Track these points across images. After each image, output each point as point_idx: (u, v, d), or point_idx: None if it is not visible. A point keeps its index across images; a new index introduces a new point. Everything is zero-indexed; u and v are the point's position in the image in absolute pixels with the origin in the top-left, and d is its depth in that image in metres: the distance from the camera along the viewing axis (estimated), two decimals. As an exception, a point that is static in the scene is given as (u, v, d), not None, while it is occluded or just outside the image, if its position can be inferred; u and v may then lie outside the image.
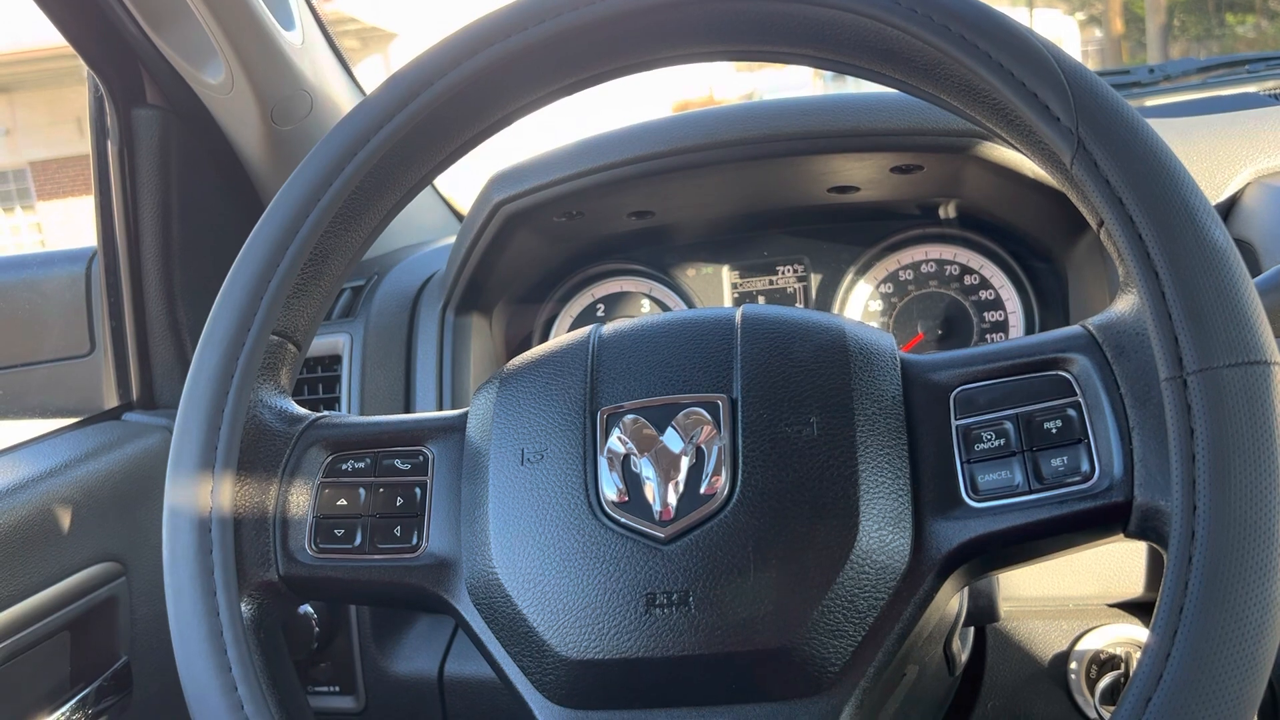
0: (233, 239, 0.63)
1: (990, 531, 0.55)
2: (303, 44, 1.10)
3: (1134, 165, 0.52)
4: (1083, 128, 0.53)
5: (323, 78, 1.15)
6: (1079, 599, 0.89)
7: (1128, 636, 0.88)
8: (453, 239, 1.13)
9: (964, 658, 0.81)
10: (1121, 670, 0.87)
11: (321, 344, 1.10)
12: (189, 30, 1.01)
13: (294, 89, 1.09)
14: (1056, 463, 0.55)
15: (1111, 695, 0.88)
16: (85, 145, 1.13)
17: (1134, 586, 0.87)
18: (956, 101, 0.59)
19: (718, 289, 1.13)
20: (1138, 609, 0.89)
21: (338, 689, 1.05)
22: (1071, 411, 0.55)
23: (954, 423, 0.57)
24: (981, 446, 0.56)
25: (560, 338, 0.66)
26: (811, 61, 0.62)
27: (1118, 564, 0.87)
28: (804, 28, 0.59)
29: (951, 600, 0.62)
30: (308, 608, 1.02)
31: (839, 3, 0.57)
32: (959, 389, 0.58)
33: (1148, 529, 0.52)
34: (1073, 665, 0.90)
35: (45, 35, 1.04)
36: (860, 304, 1.09)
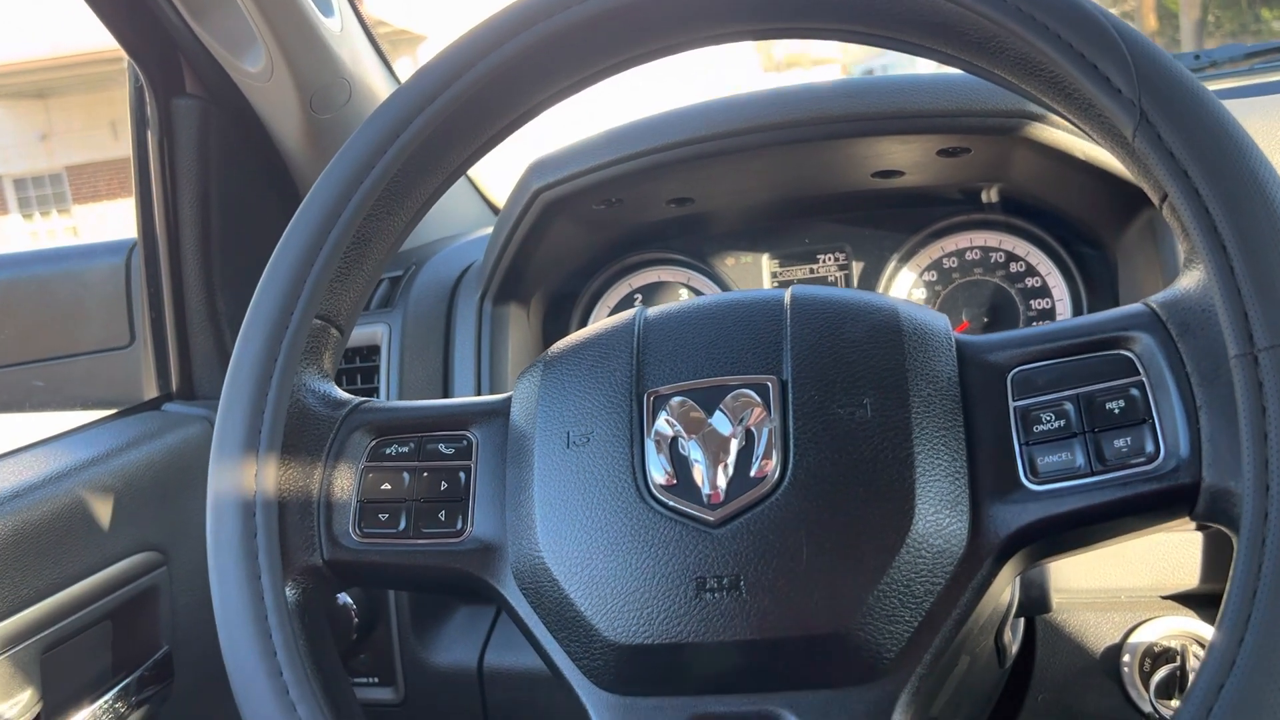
0: (271, 229, 0.63)
1: (1051, 515, 0.54)
2: (341, 31, 1.10)
3: (1199, 136, 0.50)
4: (1145, 99, 0.51)
5: (361, 66, 1.15)
6: (1132, 591, 0.87)
7: (1183, 629, 0.86)
8: (489, 231, 1.12)
9: (1014, 649, 0.80)
10: (1177, 664, 0.85)
11: (360, 334, 1.10)
12: (229, 18, 1.01)
13: (333, 76, 1.09)
14: (1120, 444, 0.53)
15: (1167, 689, 0.85)
16: (120, 150, 1.14)
17: (1189, 578, 0.85)
18: (1012, 76, 0.57)
19: (757, 278, 1.11)
20: (1193, 601, 0.87)
21: (377, 680, 1.05)
22: (1134, 391, 0.53)
23: (1012, 404, 0.56)
24: (1041, 428, 0.55)
25: (604, 320, 0.65)
26: (861, 38, 0.61)
27: (1172, 555, 0.85)
28: (853, 2, 0.58)
29: (1005, 589, 0.61)
30: (347, 598, 1.02)
31: None
32: (1016, 369, 0.57)
33: (1217, 511, 0.51)
34: (1126, 658, 0.88)
35: (81, 41, 1.04)
36: (904, 292, 1.07)
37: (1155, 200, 0.53)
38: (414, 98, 0.63)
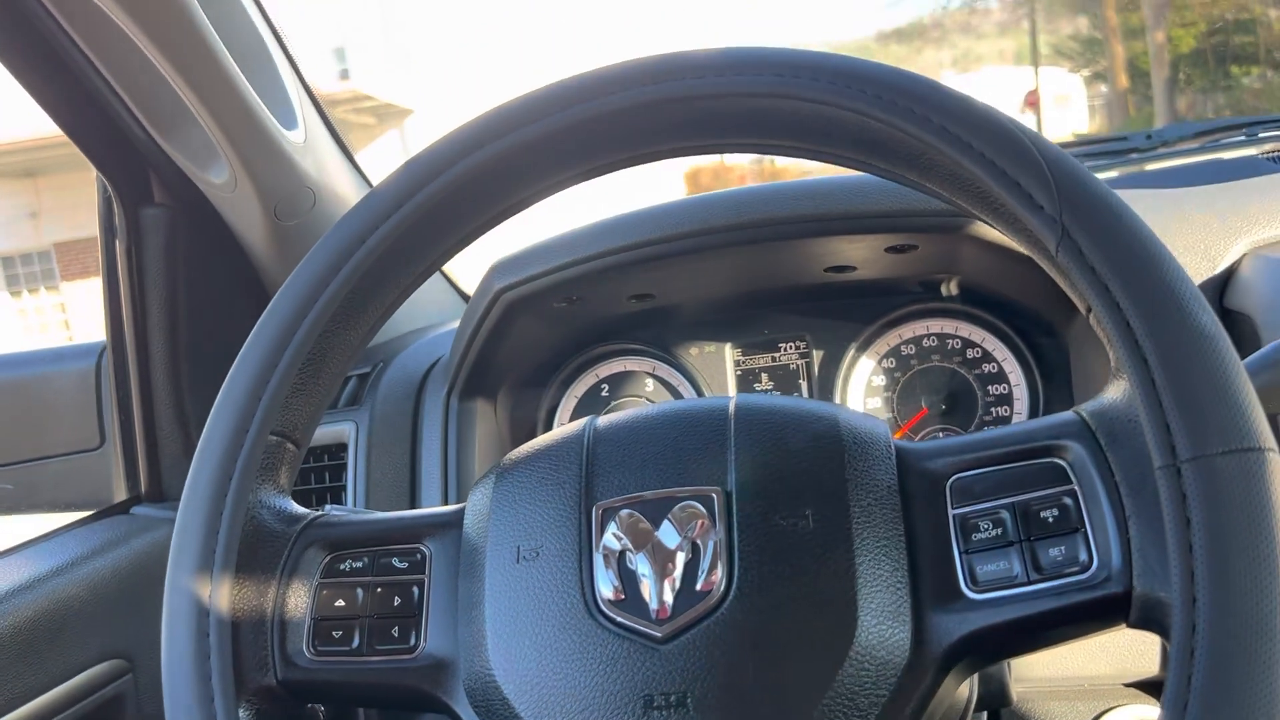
0: (240, 333, 0.64)
1: (991, 624, 0.54)
2: (305, 142, 1.12)
3: (1119, 252, 0.52)
4: (1066, 215, 0.53)
5: (326, 172, 1.17)
6: (1094, 679, 0.87)
7: (1146, 717, 0.86)
8: (458, 323, 1.14)
9: (978, 744, 0.80)
10: (1141, 753, 0.85)
11: (327, 433, 1.10)
12: (193, 133, 1.03)
13: (297, 186, 1.11)
14: (1054, 552, 0.54)
15: (1133, 779, 0.85)
16: (108, 226, 1.15)
17: (1150, 665, 0.86)
18: (941, 189, 0.59)
19: (721, 367, 1.13)
20: (1154, 688, 0.87)
21: (345, 785, 1.04)
22: (1068, 500, 0.54)
23: (950, 512, 0.57)
24: (979, 536, 0.56)
25: (556, 430, 0.66)
26: (797, 153, 0.63)
27: (1132, 643, 0.86)
28: (787, 122, 0.60)
29: (960, 688, 0.61)
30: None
31: (821, 98, 0.58)
32: (954, 477, 0.58)
33: (1149, 620, 0.51)
34: None
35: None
36: (863, 380, 1.09)
37: (1082, 310, 0.55)
38: (372, 213, 0.64)
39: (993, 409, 1.05)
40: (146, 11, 0.87)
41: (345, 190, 1.21)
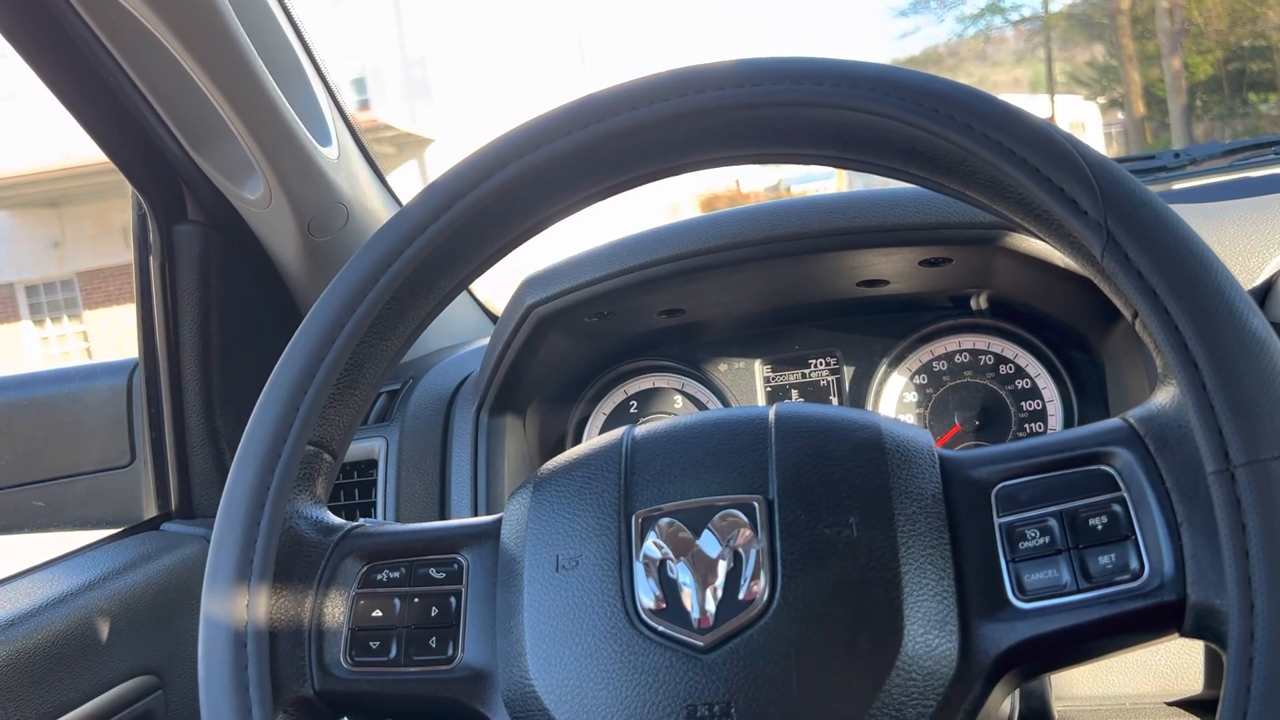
0: (272, 349, 0.65)
1: (1039, 633, 0.53)
2: (339, 158, 1.13)
3: (1165, 256, 0.51)
4: (1111, 220, 0.52)
5: (358, 189, 1.18)
6: (1136, 698, 0.86)
7: (1191, 737, 0.85)
8: (486, 340, 1.14)
9: (1018, 762, 0.78)
10: (1186, 773, 0.84)
11: (358, 449, 1.10)
12: (229, 149, 1.04)
13: (331, 202, 1.12)
14: (1104, 560, 0.53)
15: (1177, 800, 0.84)
16: (130, 255, 1.16)
17: (1193, 684, 0.84)
18: (983, 198, 0.59)
19: (750, 383, 1.13)
20: (1198, 707, 0.86)
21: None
22: (1117, 507, 0.54)
23: (996, 520, 0.56)
24: (1026, 544, 0.55)
25: (593, 440, 0.65)
26: (836, 162, 0.63)
27: (1175, 660, 0.84)
28: (827, 131, 0.60)
29: (1001, 705, 0.60)
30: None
31: (861, 106, 0.58)
32: (1000, 485, 0.57)
33: (1204, 629, 0.50)
34: None
35: (93, 151, 1.07)
36: (895, 396, 1.08)
37: (1128, 316, 0.54)
38: (407, 226, 0.65)
39: (1027, 425, 1.04)
40: (188, 27, 0.88)
41: (376, 207, 1.22)
